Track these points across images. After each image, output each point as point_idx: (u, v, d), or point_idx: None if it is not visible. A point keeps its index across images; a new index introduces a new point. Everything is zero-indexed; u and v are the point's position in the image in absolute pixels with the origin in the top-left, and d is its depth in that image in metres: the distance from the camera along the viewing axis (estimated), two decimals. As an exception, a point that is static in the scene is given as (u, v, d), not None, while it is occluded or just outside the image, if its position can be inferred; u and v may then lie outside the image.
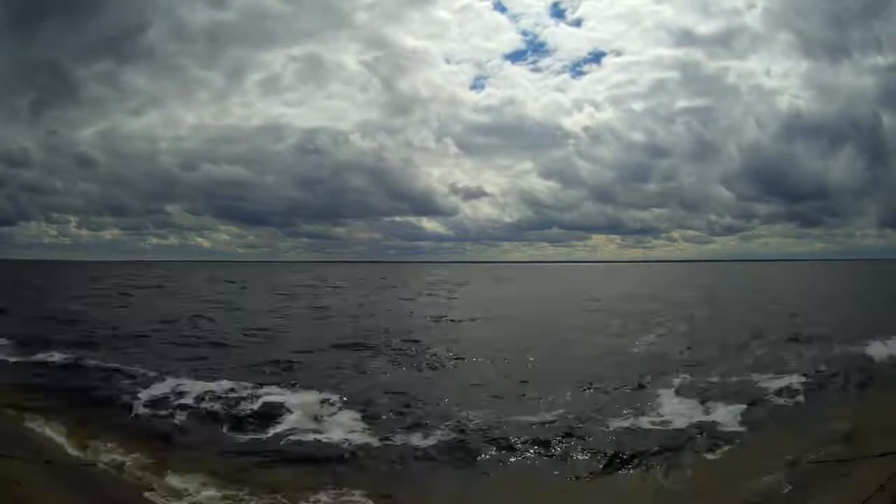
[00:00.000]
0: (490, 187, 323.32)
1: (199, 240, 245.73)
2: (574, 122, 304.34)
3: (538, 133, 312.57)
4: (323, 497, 6.35)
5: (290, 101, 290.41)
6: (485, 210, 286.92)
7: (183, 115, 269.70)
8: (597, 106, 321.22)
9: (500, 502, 6.61)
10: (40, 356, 13.32)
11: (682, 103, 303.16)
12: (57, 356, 13.32)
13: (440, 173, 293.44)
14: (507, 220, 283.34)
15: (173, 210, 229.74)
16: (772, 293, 39.67)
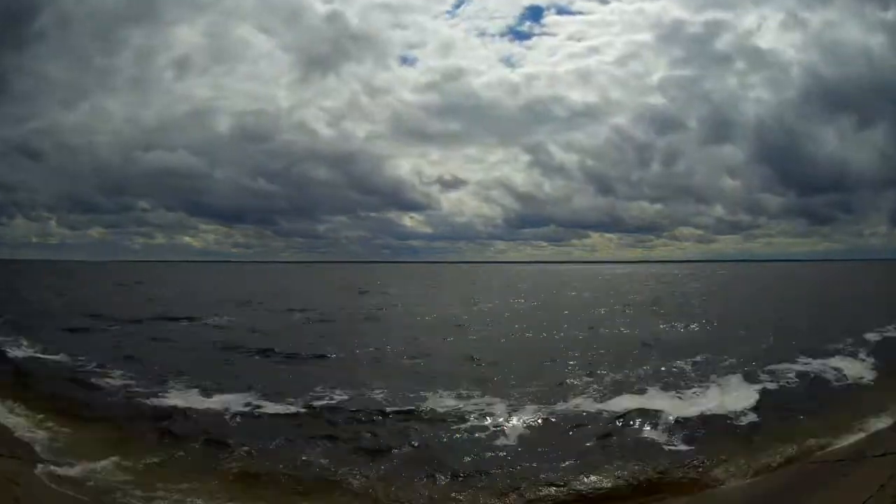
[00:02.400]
0: (467, 181, 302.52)
1: (188, 239, 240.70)
2: (536, 101, 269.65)
3: (501, 117, 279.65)
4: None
5: (211, 84, 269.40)
6: (470, 206, 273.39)
7: (110, 105, 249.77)
8: (555, 81, 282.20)
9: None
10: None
11: (660, 74, 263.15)
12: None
13: (410, 165, 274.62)
14: (493, 216, 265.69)
15: (145, 206, 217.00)
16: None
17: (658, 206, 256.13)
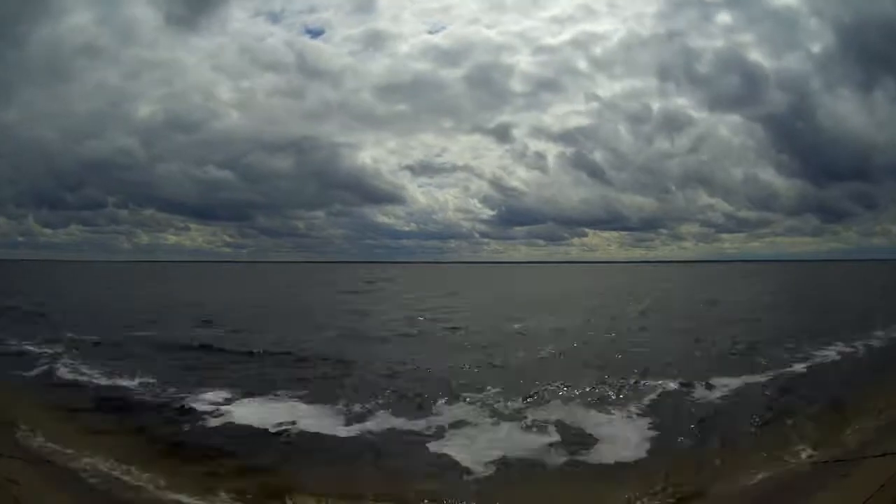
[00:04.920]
0: (440, 173, 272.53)
1: (174, 238, 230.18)
2: (482, 70, 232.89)
3: (451, 95, 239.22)
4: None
5: (125, 72, 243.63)
6: (453, 202, 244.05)
7: (38, 101, 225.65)
8: (500, 47, 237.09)
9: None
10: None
11: (624, 33, 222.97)
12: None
13: (369, 154, 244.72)
14: (480, 213, 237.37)
15: (115, 201, 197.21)
16: None
17: (654, 201, 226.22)
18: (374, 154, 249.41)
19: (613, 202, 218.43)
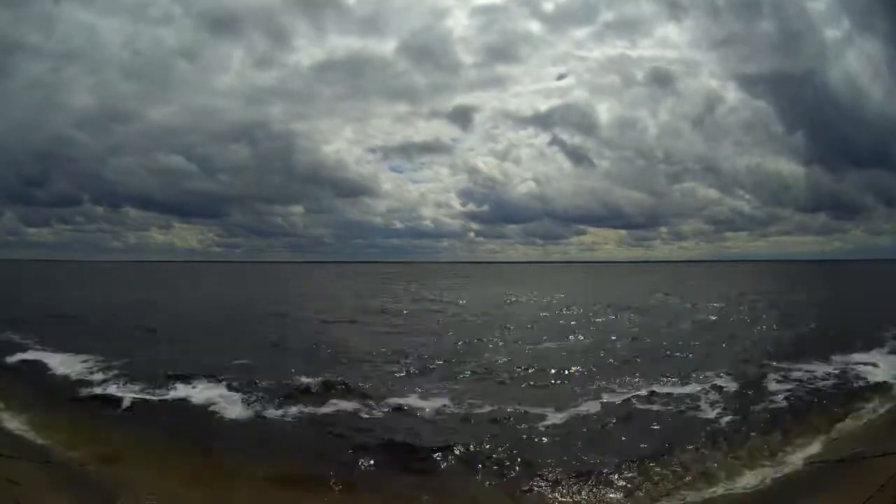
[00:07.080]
0: (419, 164, 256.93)
1: (161, 237, 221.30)
2: (414, 40, 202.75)
3: (390, 74, 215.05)
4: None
5: (50, 67, 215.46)
6: (440, 198, 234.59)
7: None
8: (428, 13, 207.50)
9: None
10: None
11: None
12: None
13: (331, 144, 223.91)
14: (469, 210, 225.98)
15: (86, 198, 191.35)
16: None
17: (650, 196, 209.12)
18: (337, 146, 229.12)
19: (611, 197, 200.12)
